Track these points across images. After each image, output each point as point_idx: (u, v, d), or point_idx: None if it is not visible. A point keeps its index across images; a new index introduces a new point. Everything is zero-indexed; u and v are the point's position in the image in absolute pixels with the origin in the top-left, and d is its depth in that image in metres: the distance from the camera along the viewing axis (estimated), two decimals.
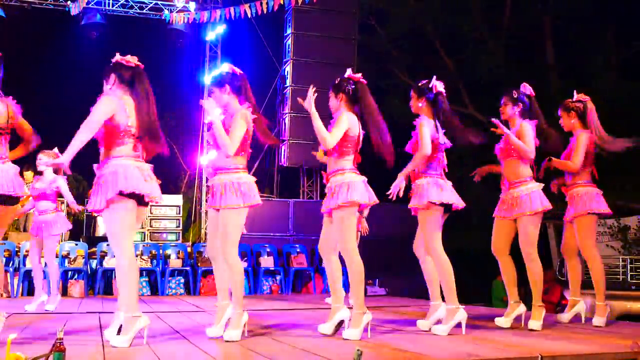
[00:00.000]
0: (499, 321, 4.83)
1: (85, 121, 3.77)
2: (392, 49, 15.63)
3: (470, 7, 14.66)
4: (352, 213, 4.26)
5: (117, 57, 4.07)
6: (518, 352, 3.52)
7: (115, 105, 3.87)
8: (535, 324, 4.64)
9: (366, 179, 4.34)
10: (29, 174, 9.55)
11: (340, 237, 4.26)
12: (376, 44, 15.28)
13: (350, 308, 4.25)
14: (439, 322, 4.53)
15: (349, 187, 4.21)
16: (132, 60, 4.05)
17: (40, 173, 6.52)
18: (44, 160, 6.35)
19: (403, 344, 3.84)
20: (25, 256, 8.89)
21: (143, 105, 3.95)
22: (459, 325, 4.37)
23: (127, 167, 3.83)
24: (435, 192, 4.43)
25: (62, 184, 6.47)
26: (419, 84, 4.69)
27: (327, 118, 4.36)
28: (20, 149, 4.38)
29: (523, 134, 4.75)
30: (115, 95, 3.93)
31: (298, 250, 10.24)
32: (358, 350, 2.87)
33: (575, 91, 5.20)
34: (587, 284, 5.35)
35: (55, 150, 6.56)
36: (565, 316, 5.20)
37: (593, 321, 4.94)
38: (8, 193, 3.88)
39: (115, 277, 7.34)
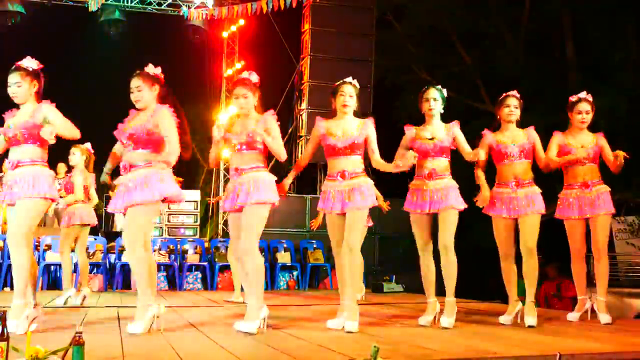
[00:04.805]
0: (502, 319, 4.86)
1: (174, 131, 4.14)
2: (409, 44, 15.55)
3: (488, 2, 14.55)
4: (367, 214, 4.47)
5: (154, 70, 4.27)
6: (537, 350, 3.49)
7: None
8: (532, 320, 4.64)
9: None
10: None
11: (354, 236, 4.31)
12: (393, 40, 15.21)
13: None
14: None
15: (368, 189, 4.37)
16: (160, 76, 4.29)
17: (71, 167, 6.62)
18: (77, 154, 6.47)
19: (420, 340, 3.83)
20: (45, 250, 8.99)
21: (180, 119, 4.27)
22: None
23: (169, 173, 4.17)
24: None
25: (77, 178, 6.51)
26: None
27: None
28: None
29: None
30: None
31: (315, 246, 10.27)
32: (375, 346, 2.86)
33: None
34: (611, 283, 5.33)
35: (88, 145, 6.59)
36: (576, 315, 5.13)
37: (601, 320, 4.86)
38: (52, 198, 4.15)
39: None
